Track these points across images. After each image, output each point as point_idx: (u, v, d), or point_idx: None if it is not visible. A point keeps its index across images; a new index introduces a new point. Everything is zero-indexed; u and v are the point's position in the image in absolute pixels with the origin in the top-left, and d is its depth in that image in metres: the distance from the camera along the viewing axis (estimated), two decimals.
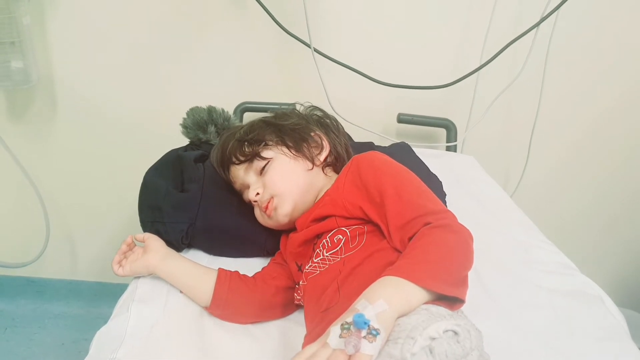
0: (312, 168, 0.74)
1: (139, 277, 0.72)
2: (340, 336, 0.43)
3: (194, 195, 0.79)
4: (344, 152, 0.80)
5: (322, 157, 0.76)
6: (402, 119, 1.20)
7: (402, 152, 0.96)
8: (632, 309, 1.41)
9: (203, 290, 0.67)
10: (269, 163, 0.73)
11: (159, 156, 0.88)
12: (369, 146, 0.99)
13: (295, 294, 0.69)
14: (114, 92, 1.22)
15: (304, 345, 0.58)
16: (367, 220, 0.64)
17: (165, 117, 1.15)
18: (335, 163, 0.78)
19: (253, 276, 0.72)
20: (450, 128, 1.22)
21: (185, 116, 0.92)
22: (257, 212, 0.75)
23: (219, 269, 0.71)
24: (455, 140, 1.22)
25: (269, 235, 0.78)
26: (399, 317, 0.46)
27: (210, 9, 1.14)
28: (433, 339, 0.42)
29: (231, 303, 0.67)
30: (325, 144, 0.77)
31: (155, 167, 0.86)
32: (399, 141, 1.06)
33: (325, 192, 0.71)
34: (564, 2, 1.04)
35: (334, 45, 1.15)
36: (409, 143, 1.03)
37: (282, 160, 0.73)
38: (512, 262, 0.81)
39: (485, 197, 1.02)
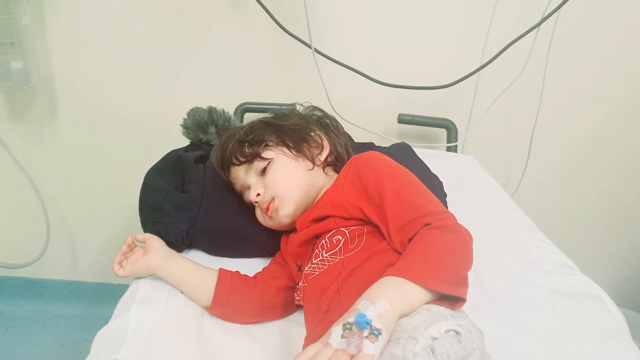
0: (313, 168, 0.74)
1: (139, 278, 0.72)
2: (342, 336, 0.43)
3: (194, 195, 0.79)
4: (344, 151, 0.80)
5: (322, 157, 0.76)
6: (403, 119, 1.20)
7: (402, 153, 0.96)
8: (632, 309, 1.41)
9: (204, 290, 0.67)
10: (270, 164, 0.73)
11: (159, 157, 0.88)
12: (369, 146, 0.99)
13: (295, 295, 0.69)
14: (114, 92, 1.22)
15: (304, 347, 0.58)
16: (367, 221, 0.64)
17: (166, 117, 1.15)
18: (336, 163, 0.78)
19: (254, 276, 0.72)
20: (450, 128, 1.22)
21: (185, 117, 0.92)
22: (259, 213, 0.75)
23: (220, 269, 0.71)
24: (456, 141, 1.22)
25: (270, 235, 0.78)
26: (400, 317, 0.46)
27: (210, 9, 1.14)
28: (435, 339, 0.42)
29: (232, 303, 0.67)
30: (326, 143, 0.77)
31: (155, 167, 0.86)
32: (399, 141, 1.06)
33: (324, 192, 0.72)
34: (565, 2, 1.04)
35: (334, 45, 1.15)
36: (410, 143, 1.03)
37: (283, 161, 0.73)
38: (512, 262, 0.81)
39: (486, 197, 1.02)
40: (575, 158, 1.34)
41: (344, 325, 0.43)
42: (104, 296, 1.47)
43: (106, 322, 0.65)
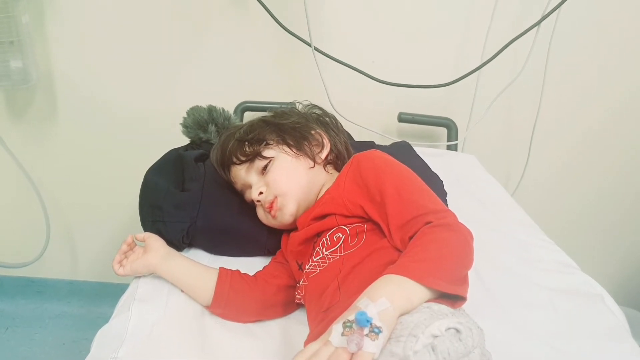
0: (314, 166, 0.74)
1: (139, 277, 0.72)
2: (343, 334, 0.43)
3: (194, 194, 0.79)
4: (344, 149, 0.80)
5: (323, 155, 0.76)
6: (403, 118, 1.20)
7: (403, 151, 0.96)
8: (633, 308, 1.41)
9: (204, 289, 0.67)
10: (271, 162, 0.73)
11: (159, 156, 0.88)
12: (369, 145, 0.99)
13: (296, 293, 0.69)
14: (114, 91, 1.22)
15: (305, 344, 0.58)
16: (367, 219, 0.65)
17: (166, 116, 1.15)
18: (336, 161, 0.78)
19: (254, 275, 0.72)
20: (451, 127, 1.22)
21: (185, 115, 0.92)
22: (260, 212, 0.75)
23: (220, 268, 0.70)
24: (456, 139, 1.22)
25: (270, 234, 0.78)
26: (401, 315, 0.46)
27: (210, 7, 1.14)
28: (435, 336, 0.42)
29: (232, 302, 0.67)
30: (326, 141, 0.77)
31: (155, 166, 0.86)
32: (399, 140, 1.06)
33: (326, 191, 0.71)
34: (565, 0, 1.04)
35: (334, 44, 1.15)
36: (410, 142, 1.03)
37: (284, 159, 0.73)
38: (512, 261, 0.81)
39: (486, 196, 1.02)
40: (576, 156, 1.34)
41: (344, 323, 0.43)
42: (104, 295, 1.47)
43: (106, 321, 0.65)
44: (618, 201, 1.40)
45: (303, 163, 0.74)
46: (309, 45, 1.10)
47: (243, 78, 1.21)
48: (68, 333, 1.40)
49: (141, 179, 0.83)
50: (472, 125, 1.23)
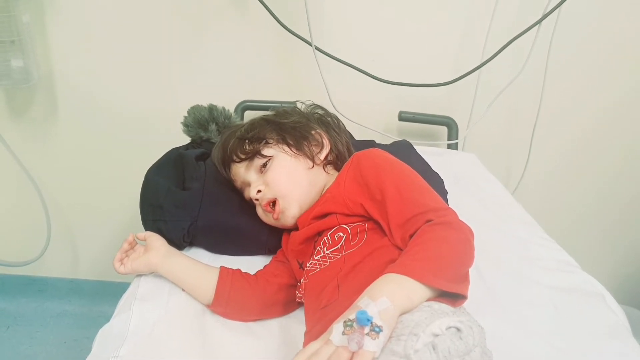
0: (313, 166, 0.74)
1: (140, 276, 0.72)
2: (343, 333, 0.43)
3: (195, 193, 0.79)
4: (345, 150, 0.80)
5: (322, 156, 0.76)
6: (404, 117, 1.20)
7: (403, 150, 0.96)
8: (633, 307, 1.41)
9: (205, 288, 0.67)
10: (270, 161, 0.73)
11: (160, 155, 0.88)
12: (370, 144, 0.99)
13: (297, 292, 0.69)
14: (115, 90, 1.22)
15: (304, 343, 0.58)
16: (368, 218, 0.65)
17: (166, 115, 1.15)
18: (337, 161, 0.78)
19: (255, 274, 0.72)
20: (451, 126, 1.22)
21: (186, 114, 0.92)
22: (260, 211, 0.75)
23: (221, 267, 0.71)
24: (457, 138, 1.22)
25: (271, 233, 0.78)
26: (401, 314, 0.46)
27: (210, 7, 1.14)
28: (436, 335, 0.42)
29: (233, 301, 0.67)
30: (326, 142, 0.77)
31: (156, 165, 0.86)
32: (400, 139, 1.06)
33: (326, 190, 0.71)
34: None
35: (335, 43, 1.15)
36: (410, 141, 1.03)
37: (283, 158, 0.73)
38: (513, 259, 0.81)
39: (487, 194, 1.02)
40: (576, 155, 1.34)
41: (345, 322, 0.43)
42: (104, 294, 1.47)
43: (107, 319, 0.66)
44: (618, 199, 1.40)
45: (302, 163, 0.74)
46: (310, 44, 1.10)
47: (243, 77, 1.21)
48: (69, 331, 1.40)
49: (142, 178, 0.83)
50: (472, 124, 1.23)
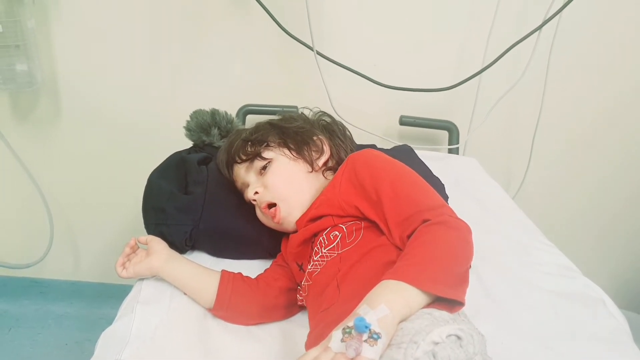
0: (312, 171, 0.75)
1: (143, 279, 0.72)
2: (342, 340, 0.43)
3: (197, 197, 0.80)
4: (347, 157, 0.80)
5: (321, 162, 0.76)
6: (405, 121, 1.20)
7: (404, 155, 0.96)
8: (634, 311, 1.40)
9: (206, 291, 0.68)
10: (269, 164, 0.73)
11: (162, 159, 0.89)
12: (370, 148, 0.99)
13: (297, 295, 0.70)
14: (118, 94, 1.22)
15: (306, 345, 0.58)
16: (363, 217, 0.65)
17: (169, 119, 1.15)
18: (337, 167, 0.78)
19: (256, 278, 0.72)
20: (452, 130, 1.22)
21: (188, 119, 0.93)
22: (259, 212, 0.76)
23: (222, 270, 0.71)
24: (458, 143, 1.22)
25: (272, 237, 0.78)
26: (400, 321, 0.46)
27: (213, 11, 1.14)
28: (436, 343, 0.42)
29: (234, 304, 0.67)
30: (326, 148, 0.78)
31: (159, 169, 0.86)
32: (401, 144, 1.06)
33: (322, 192, 0.72)
34: (567, 4, 1.05)
35: (336, 47, 1.15)
36: (411, 145, 1.03)
37: (282, 162, 0.74)
38: (513, 264, 0.81)
39: (487, 199, 1.02)
40: (577, 160, 1.34)
41: (343, 329, 0.44)
42: (106, 296, 1.48)
43: (109, 322, 0.66)
44: (619, 204, 1.40)
45: (301, 167, 0.74)
46: (311, 48, 1.10)
47: (245, 82, 1.22)
48: (71, 334, 1.41)
49: (144, 182, 0.83)
50: (473, 128, 1.24)
